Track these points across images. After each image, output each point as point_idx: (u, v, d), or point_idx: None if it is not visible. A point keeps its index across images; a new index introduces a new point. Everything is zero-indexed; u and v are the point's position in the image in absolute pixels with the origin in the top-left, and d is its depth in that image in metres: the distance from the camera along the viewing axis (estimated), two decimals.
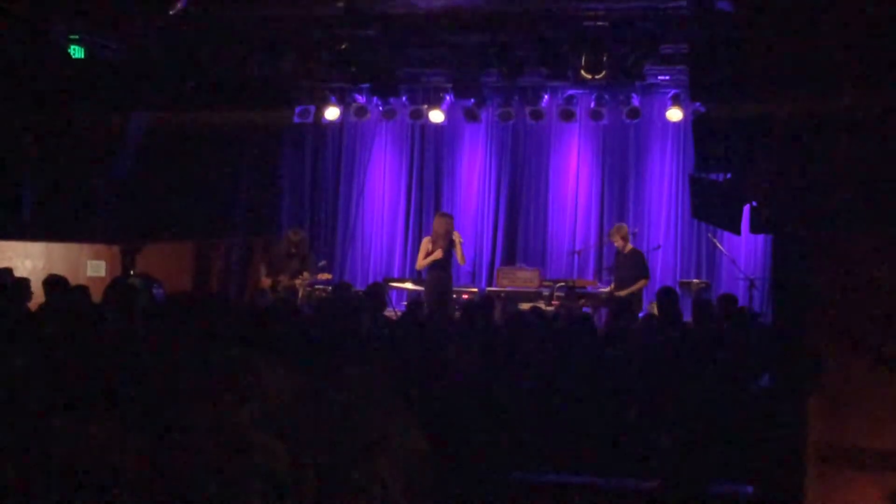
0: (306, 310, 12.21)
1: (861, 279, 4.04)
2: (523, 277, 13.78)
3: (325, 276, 13.49)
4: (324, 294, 12.71)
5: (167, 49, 12.53)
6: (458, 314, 10.48)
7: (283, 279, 12.79)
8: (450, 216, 13.05)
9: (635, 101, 13.79)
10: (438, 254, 12.47)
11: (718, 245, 13.85)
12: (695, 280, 13.92)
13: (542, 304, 12.29)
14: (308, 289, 12.98)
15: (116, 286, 7.54)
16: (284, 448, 3.16)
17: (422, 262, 12.69)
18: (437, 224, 12.75)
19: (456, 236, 12.55)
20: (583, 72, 12.39)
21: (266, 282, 12.95)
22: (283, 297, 11.39)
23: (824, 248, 4.17)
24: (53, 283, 8.28)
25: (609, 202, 15.15)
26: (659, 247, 14.46)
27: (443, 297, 12.26)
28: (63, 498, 2.89)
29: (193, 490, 2.95)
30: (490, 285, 14.41)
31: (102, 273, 13.36)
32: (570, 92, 14.15)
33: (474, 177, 15.59)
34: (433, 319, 8.67)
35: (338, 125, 15.32)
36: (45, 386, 3.63)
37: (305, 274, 13.03)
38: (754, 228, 10.76)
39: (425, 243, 12.71)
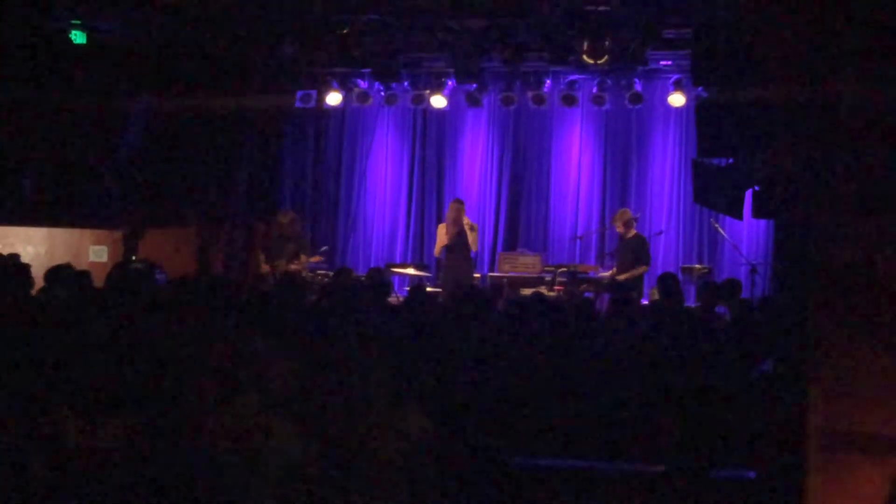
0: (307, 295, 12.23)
1: (864, 264, 4.03)
2: (525, 263, 13.78)
3: (316, 258, 13.46)
4: (325, 279, 12.71)
5: (170, 34, 12.51)
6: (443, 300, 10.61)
7: (281, 264, 12.79)
8: (458, 202, 13.12)
9: (637, 86, 13.76)
10: (444, 240, 12.75)
11: (720, 230, 13.83)
12: (697, 265, 13.90)
13: (543, 290, 12.29)
14: (310, 274, 12.97)
15: (119, 271, 7.53)
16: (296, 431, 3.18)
17: (436, 249, 12.98)
18: (448, 211, 13.09)
19: (466, 222, 12.69)
20: (585, 57, 12.37)
21: (266, 268, 12.94)
22: (286, 280, 11.37)
23: (827, 233, 4.16)
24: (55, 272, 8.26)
25: (611, 187, 15.13)
26: (661, 232, 14.44)
27: (457, 282, 12.32)
28: (73, 487, 2.90)
29: (206, 472, 2.96)
30: (492, 271, 14.41)
31: (105, 258, 13.37)
32: (572, 77, 14.12)
33: (476, 162, 15.57)
34: (438, 305, 8.68)
35: (340, 110, 15.29)
36: (49, 373, 3.63)
37: (303, 257, 13.01)
38: (756, 213, 10.75)
39: (439, 230, 12.95)
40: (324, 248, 13.98)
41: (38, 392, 3.37)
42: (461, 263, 12.81)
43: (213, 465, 2.98)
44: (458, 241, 12.73)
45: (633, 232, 12.77)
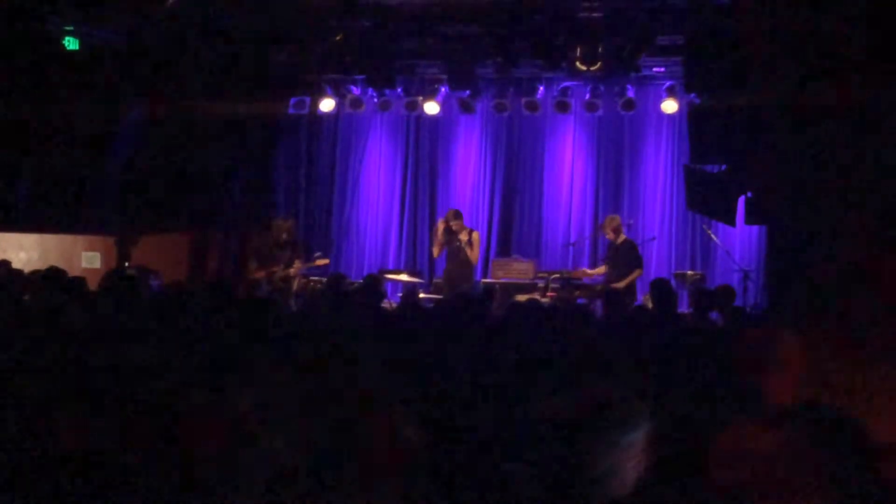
0: (301, 301, 12.23)
1: (856, 269, 4.05)
2: (518, 269, 13.79)
3: (323, 261, 13.48)
4: (319, 286, 12.70)
5: (163, 41, 12.52)
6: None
7: (277, 270, 12.78)
8: (449, 215, 13.26)
9: (630, 93, 13.79)
10: (434, 250, 13.22)
11: (713, 236, 13.86)
12: (689, 271, 13.91)
13: (537, 296, 12.30)
14: (303, 279, 12.97)
15: (113, 277, 7.52)
16: (285, 437, 3.18)
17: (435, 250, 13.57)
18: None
19: (464, 239, 12.95)
20: (578, 63, 12.40)
21: (259, 274, 12.93)
22: (276, 289, 11.41)
23: (819, 239, 4.19)
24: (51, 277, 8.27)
25: (604, 194, 15.16)
26: (654, 238, 14.47)
27: (449, 290, 12.45)
28: (67, 490, 2.90)
29: (198, 478, 2.96)
30: (485, 277, 14.42)
31: (97, 265, 13.35)
32: (566, 83, 14.14)
33: (469, 168, 15.59)
34: (430, 310, 8.68)
35: (333, 116, 15.31)
36: (42, 377, 3.63)
37: (297, 262, 13.02)
38: (749, 219, 10.79)
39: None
40: (317, 254, 13.99)
41: (32, 395, 3.37)
42: (455, 271, 12.92)
43: (203, 468, 2.98)
44: (451, 250, 12.90)
45: (622, 237, 12.80)
